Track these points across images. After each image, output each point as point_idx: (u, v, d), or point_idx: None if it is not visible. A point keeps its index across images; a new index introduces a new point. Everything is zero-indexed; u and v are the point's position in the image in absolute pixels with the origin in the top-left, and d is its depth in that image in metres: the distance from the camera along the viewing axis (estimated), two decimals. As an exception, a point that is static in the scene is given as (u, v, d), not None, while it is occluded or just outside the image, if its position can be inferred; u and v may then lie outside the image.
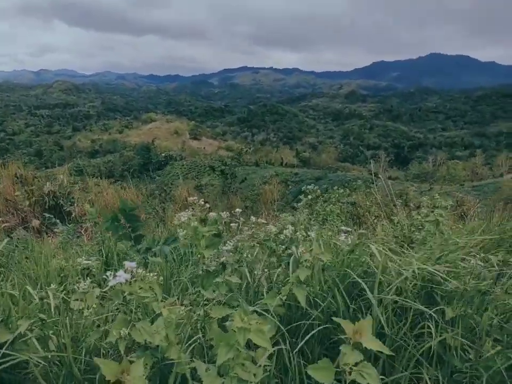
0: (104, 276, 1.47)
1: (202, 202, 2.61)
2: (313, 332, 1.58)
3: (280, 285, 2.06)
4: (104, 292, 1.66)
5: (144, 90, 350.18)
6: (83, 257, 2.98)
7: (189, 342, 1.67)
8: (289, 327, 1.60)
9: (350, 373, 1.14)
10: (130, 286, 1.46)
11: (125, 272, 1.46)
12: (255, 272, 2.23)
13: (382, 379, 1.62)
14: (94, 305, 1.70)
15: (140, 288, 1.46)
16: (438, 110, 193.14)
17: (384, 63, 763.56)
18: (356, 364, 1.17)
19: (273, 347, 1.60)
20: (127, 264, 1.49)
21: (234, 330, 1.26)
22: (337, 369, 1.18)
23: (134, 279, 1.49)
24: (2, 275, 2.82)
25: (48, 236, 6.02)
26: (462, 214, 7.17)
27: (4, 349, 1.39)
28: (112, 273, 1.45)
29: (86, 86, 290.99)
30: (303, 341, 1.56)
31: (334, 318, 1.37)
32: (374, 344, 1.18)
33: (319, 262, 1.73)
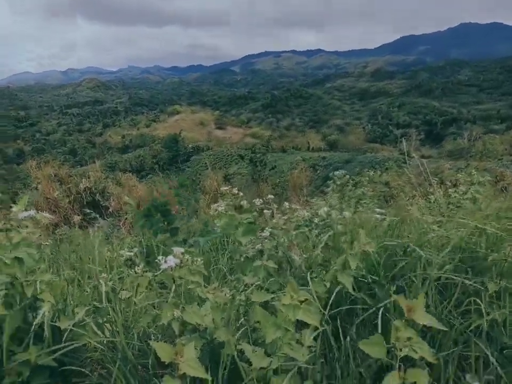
0: (156, 260, 1.58)
1: (236, 191, 2.65)
2: (363, 316, 1.60)
3: (319, 269, 2.07)
4: (155, 276, 1.75)
5: (168, 83, 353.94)
6: (125, 249, 3.11)
7: (234, 325, 1.73)
8: (334, 310, 1.63)
9: (401, 349, 1.15)
10: (179, 270, 1.55)
11: (174, 257, 1.56)
12: (293, 257, 2.26)
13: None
14: (144, 291, 1.79)
15: (189, 273, 1.54)
16: (470, 83, 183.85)
17: (411, 37, 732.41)
18: (408, 340, 1.18)
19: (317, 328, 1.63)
20: (175, 249, 1.59)
21: (282, 310, 1.30)
22: (389, 346, 1.19)
23: (182, 264, 1.58)
24: (52, 268, 3.00)
25: (90, 231, 6.30)
26: (502, 189, 6.88)
27: (65, 334, 1.50)
28: (163, 258, 1.55)
29: (112, 82, 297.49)
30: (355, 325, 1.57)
31: (394, 296, 1.37)
32: (426, 319, 1.18)
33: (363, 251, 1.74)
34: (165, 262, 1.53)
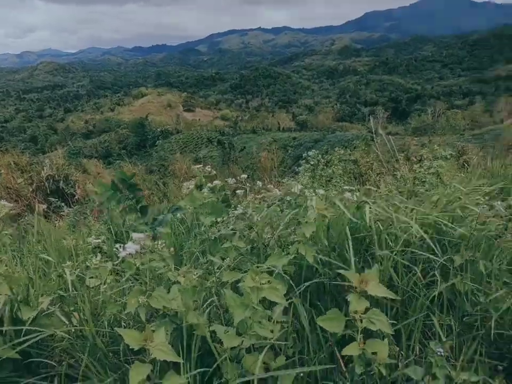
0: (113, 249, 1.51)
1: (209, 169, 2.60)
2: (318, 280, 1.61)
3: (289, 246, 2.09)
4: (116, 265, 1.70)
5: (131, 64, 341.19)
6: (92, 236, 3.02)
7: (205, 307, 1.72)
8: (302, 286, 1.64)
9: (360, 321, 1.17)
10: (141, 257, 1.50)
11: (134, 243, 1.50)
12: (264, 236, 2.25)
13: (394, 326, 1.68)
14: (109, 280, 1.74)
15: (151, 260, 1.50)
16: (434, 59, 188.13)
17: (376, 13, 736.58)
18: (366, 312, 1.21)
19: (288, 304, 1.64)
20: (135, 235, 1.54)
21: (248, 292, 1.30)
22: (348, 319, 1.21)
23: (144, 250, 1.53)
24: (15, 259, 2.88)
25: (55, 220, 6.08)
26: (464, 163, 7.16)
27: (26, 325, 1.44)
28: (122, 245, 1.49)
29: (72, 65, 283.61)
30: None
31: (338, 271, 1.40)
32: (379, 291, 1.21)
33: (324, 219, 1.75)
34: (123, 249, 1.47)
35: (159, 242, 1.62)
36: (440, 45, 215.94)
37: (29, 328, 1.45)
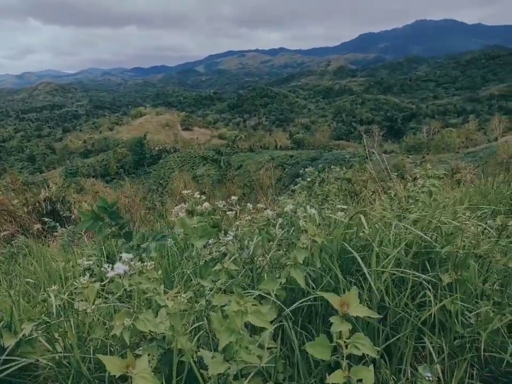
0: (102, 269, 1.50)
1: (198, 195, 2.60)
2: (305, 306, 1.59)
3: (282, 268, 2.07)
4: (104, 286, 1.67)
5: (130, 85, 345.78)
6: (84, 258, 2.99)
7: (194, 332, 1.69)
8: (291, 308, 1.62)
9: (346, 346, 1.15)
10: (130, 278, 1.48)
11: (122, 263, 1.49)
12: (256, 258, 2.24)
13: (387, 351, 1.65)
14: (97, 302, 1.71)
15: (139, 283, 1.48)
16: (428, 78, 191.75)
17: (371, 35, 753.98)
18: (350, 337, 1.19)
19: (277, 328, 1.62)
20: (124, 255, 1.52)
21: (233, 316, 1.27)
22: (334, 345, 1.19)
23: (133, 272, 1.52)
24: (5, 281, 2.84)
25: (49, 240, 6.03)
26: (458, 181, 7.19)
27: (5, 353, 1.41)
28: (110, 265, 1.47)
29: (72, 85, 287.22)
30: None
31: (319, 292, 1.38)
32: (360, 311, 1.20)
33: (315, 243, 1.74)
34: (112, 269, 1.45)
35: (148, 264, 1.61)
36: (434, 65, 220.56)
37: (10, 357, 1.41)
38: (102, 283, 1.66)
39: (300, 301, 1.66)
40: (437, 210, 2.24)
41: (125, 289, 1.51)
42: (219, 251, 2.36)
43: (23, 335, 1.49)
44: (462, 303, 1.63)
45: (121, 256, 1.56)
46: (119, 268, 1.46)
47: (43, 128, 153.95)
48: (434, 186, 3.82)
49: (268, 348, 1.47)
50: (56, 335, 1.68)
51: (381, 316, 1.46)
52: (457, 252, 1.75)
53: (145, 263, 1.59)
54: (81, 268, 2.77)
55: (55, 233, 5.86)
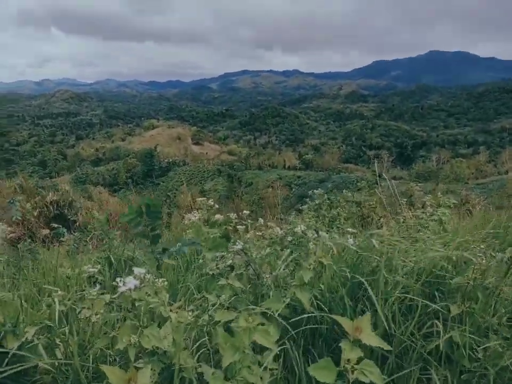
0: (113, 283, 1.49)
1: (211, 203, 2.61)
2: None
3: (287, 287, 2.05)
4: (113, 299, 1.67)
5: (145, 97, 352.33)
6: (89, 265, 2.99)
7: (196, 347, 1.67)
8: (295, 331, 1.60)
9: (352, 372, 1.13)
10: (139, 291, 1.48)
11: (134, 278, 1.48)
12: (263, 275, 2.22)
13: (392, 379, 1.61)
14: (101, 311, 1.71)
15: (148, 295, 1.48)
16: (439, 108, 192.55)
17: (384, 62, 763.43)
18: (358, 362, 1.16)
19: (279, 349, 1.59)
20: (135, 270, 1.52)
21: (240, 333, 1.26)
22: (340, 369, 1.17)
23: (143, 285, 1.51)
24: (10, 285, 2.84)
25: (54, 245, 6.05)
26: (467, 211, 7.14)
27: (9, 355, 1.40)
28: (122, 279, 1.47)
29: (88, 94, 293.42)
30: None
31: (331, 315, 1.37)
32: (373, 340, 1.17)
33: (322, 265, 1.73)
34: (124, 284, 1.44)
35: (160, 280, 1.60)
36: (446, 95, 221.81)
37: (12, 358, 1.41)
38: (112, 297, 1.65)
39: (304, 322, 1.64)
40: (447, 239, 2.22)
41: (133, 304, 1.50)
42: (225, 265, 2.35)
43: (25, 339, 1.49)
44: (470, 335, 1.60)
45: (134, 270, 1.55)
46: (131, 282, 1.45)
47: (57, 134, 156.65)
48: (445, 215, 3.79)
49: (270, 369, 1.45)
50: (57, 340, 1.67)
51: (391, 348, 1.43)
52: (468, 283, 1.73)
53: (156, 280, 1.59)
54: (86, 275, 2.78)
55: (61, 239, 5.89)
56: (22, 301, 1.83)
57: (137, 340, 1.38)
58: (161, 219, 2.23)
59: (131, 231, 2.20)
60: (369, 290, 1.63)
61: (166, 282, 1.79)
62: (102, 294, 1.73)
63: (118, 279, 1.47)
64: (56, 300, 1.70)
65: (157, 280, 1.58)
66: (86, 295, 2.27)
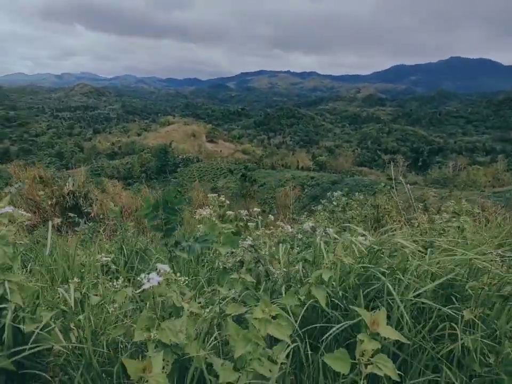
0: (138, 279, 1.51)
1: (223, 199, 2.63)
2: (331, 332, 1.57)
3: (298, 285, 2.05)
4: (136, 293, 1.69)
5: (162, 94, 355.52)
6: (102, 254, 3.04)
7: (206, 339, 1.69)
8: (307, 328, 1.60)
9: (366, 366, 1.13)
10: (159, 288, 1.51)
11: (157, 274, 1.51)
12: (273, 271, 2.23)
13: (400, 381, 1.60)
14: (120, 300, 1.74)
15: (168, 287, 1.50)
16: (458, 114, 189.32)
17: (403, 67, 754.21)
18: (372, 356, 1.16)
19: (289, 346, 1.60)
20: (159, 266, 1.54)
21: (254, 325, 1.27)
22: (354, 361, 1.17)
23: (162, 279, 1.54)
24: (26, 270, 2.91)
25: (68, 234, 6.16)
26: (484, 219, 6.99)
27: (31, 339, 1.44)
28: (146, 275, 1.49)
29: (107, 89, 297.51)
30: (323, 342, 1.55)
31: (352, 307, 1.36)
32: (390, 333, 1.17)
33: (340, 264, 1.73)
34: (148, 280, 1.46)
35: (182, 278, 1.63)
36: (466, 102, 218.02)
37: (28, 340, 1.44)
38: (134, 291, 1.68)
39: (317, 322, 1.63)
40: (467, 246, 2.19)
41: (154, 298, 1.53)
42: (236, 260, 2.36)
43: (42, 323, 1.52)
44: (482, 340, 1.58)
45: (157, 266, 1.58)
46: (155, 279, 1.47)
47: (74, 127, 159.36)
48: (467, 223, 3.73)
49: (278, 363, 1.45)
50: (71, 325, 1.71)
51: (409, 342, 1.43)
52: (482, 288, 1.70)
53: (179, 277, 1.62)
54: (99, 263, 2.82)
55: (75, 228, 6.00)
56: (38, 286, 1.87)
57: (155, 335, 1.40)
58: (178, 215, 2.25)
59: (148, 224, 2.23)
60: (389, 286, 1.62)
61: (184, 278, 1.81)
62: (125, 286, 1.75)
63: (142, 275, 1.49)
64: (71, 285, 1.74)
65: (178, 277, 1.61)
66: (100, 282, 2.31)
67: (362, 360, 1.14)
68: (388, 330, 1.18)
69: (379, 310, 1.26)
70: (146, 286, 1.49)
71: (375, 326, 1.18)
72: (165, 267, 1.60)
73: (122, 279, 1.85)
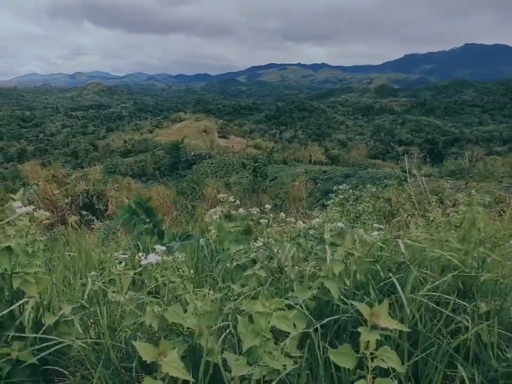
0: (136, 257, 1.59)
1: (232, 199, 2.66)
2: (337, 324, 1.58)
3: (310, 280, 2.06)
4: (136, 274, 1.75)
5: (173, 90, 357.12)
6: (120, 251, 3.10)
7: (220, 334, 1.71)
8: (320, 322, 1.61)
9: (371, 359, 1.14)
10: (162, 274, 1.55)
11: (156, 254, 1.58)
12: (285, 267, 2.24)
13: (415, 376, 1.60)
14: (129, 294, 1.78)
15: (169, 268, 1.55)
16: (474, 103, 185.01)
17: (416, 56, 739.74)
18: (376, 349, 1.17)
19: (303, 339, 1.61)
20: (158, 247, 1.60)
21: (258, 318, 1.28)
22: (359, 356, 1.18)
23: (165, 265, 1.59)
24: (45, 266, 2.99)
25: (85, 233, 6.29)
26: (501, 211, 6.86)
27: (48, 331, 1.48)
28: (144, 254, 1.56)
29: (119, 87, 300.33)
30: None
31: (351, 301, 1.37)
32: (390, 323, 1.18)
33: (351, 257, 1.73)
34: (145, 258, 1.55)
35: (180, 257, 1.67)
36: (481, 90, 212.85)
37: (50, 336, 1.49)
38: (136, 271, 1.74)
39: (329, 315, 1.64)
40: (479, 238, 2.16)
41: (157, 284, 1.57)
42: (248, 257, 2.38)
43: (61, 316, 1.57)
44: (500, 333, 1.56)
45: (154, 248, 1.64)
46: (152, 257, 1.55)
47: (88, 126, 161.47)
48: (479, 214, 3.66)
49: (293, 357, 1.47)
50: (90, 320, 1.75)
51: (410, 330, 1.43)
52: (498, 280, 1.68)
53: (176, 256, 1.66)
54: (116, 260, 2.88)
55: (91, 226, 6.11)
56: (57, 280, 1.92)
57: (160, 312, 1.45)
58: (156, 215, 2.23)
59: (130, 232, 2.26)
60: (398, 286, 1.61)
61: (191, 271, 1.85)
62: (128, 269, 1.81)
63: (140, 254, 1.57)
64: (89, 280, 1.78)
65: (176, 257, 1.66)
66: (113, 271, 2.36)
67: (365, 353, 1.15)
68: (387, 321, 1.18)
69: (394, 309, 1.26)
70: (143, 262, 1.60)
71: (374, 318, 1.18)
72: (162, 247, 1.68)
73: (124, 263, 1.90)
